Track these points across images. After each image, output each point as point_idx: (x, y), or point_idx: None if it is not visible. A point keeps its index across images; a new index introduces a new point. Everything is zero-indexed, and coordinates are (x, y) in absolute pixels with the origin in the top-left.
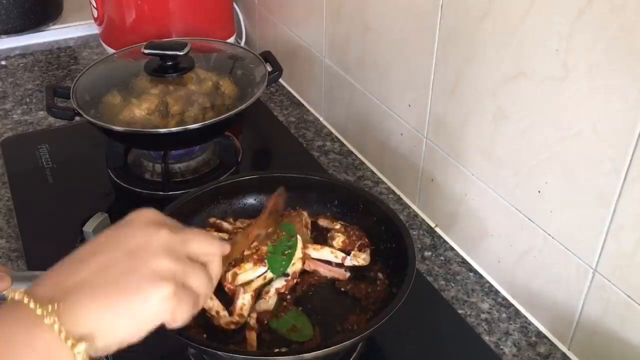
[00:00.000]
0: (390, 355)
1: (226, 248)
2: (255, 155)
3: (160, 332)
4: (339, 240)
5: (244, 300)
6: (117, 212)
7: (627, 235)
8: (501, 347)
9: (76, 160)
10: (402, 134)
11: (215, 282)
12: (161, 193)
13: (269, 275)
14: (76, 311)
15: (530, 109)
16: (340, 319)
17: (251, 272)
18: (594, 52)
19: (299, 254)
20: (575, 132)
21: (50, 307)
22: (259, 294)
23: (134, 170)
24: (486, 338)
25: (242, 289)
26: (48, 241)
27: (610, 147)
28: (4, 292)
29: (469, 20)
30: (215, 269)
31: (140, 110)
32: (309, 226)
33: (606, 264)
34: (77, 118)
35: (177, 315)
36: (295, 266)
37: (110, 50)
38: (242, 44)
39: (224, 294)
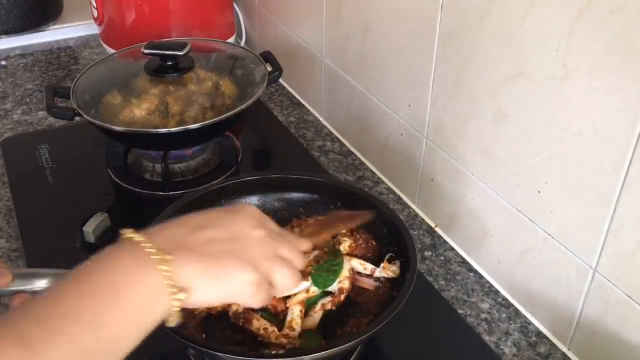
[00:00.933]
0: (390, 355)
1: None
2: (255, 155)
3: (160, 332)
4: (345, 244)
5: (292, 314)
6: (117, 212)
7: (627, 235)
8: (501, 347)
9: (76, 160)
10: (402, 134)
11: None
12: (161, 193)
13: (314, 289)
14: (184, 267)
15: (530, 108)
16: (340, 322)
17: None
18: (594, 52)
19: (345, 272)
20: (575, 132)
21: (168, 256)
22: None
23: (134, 170)
24: (486, 338)
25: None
26: (48, 241)
27: (610, 147)
28: (6, 288)
29: (469, 20)
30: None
31: (140, 110)
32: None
33: (606, 264)
34: (77, 118)
35: (252, 301)
36: (343, 283)
37: (110, 50)
38: (242, 44)
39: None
